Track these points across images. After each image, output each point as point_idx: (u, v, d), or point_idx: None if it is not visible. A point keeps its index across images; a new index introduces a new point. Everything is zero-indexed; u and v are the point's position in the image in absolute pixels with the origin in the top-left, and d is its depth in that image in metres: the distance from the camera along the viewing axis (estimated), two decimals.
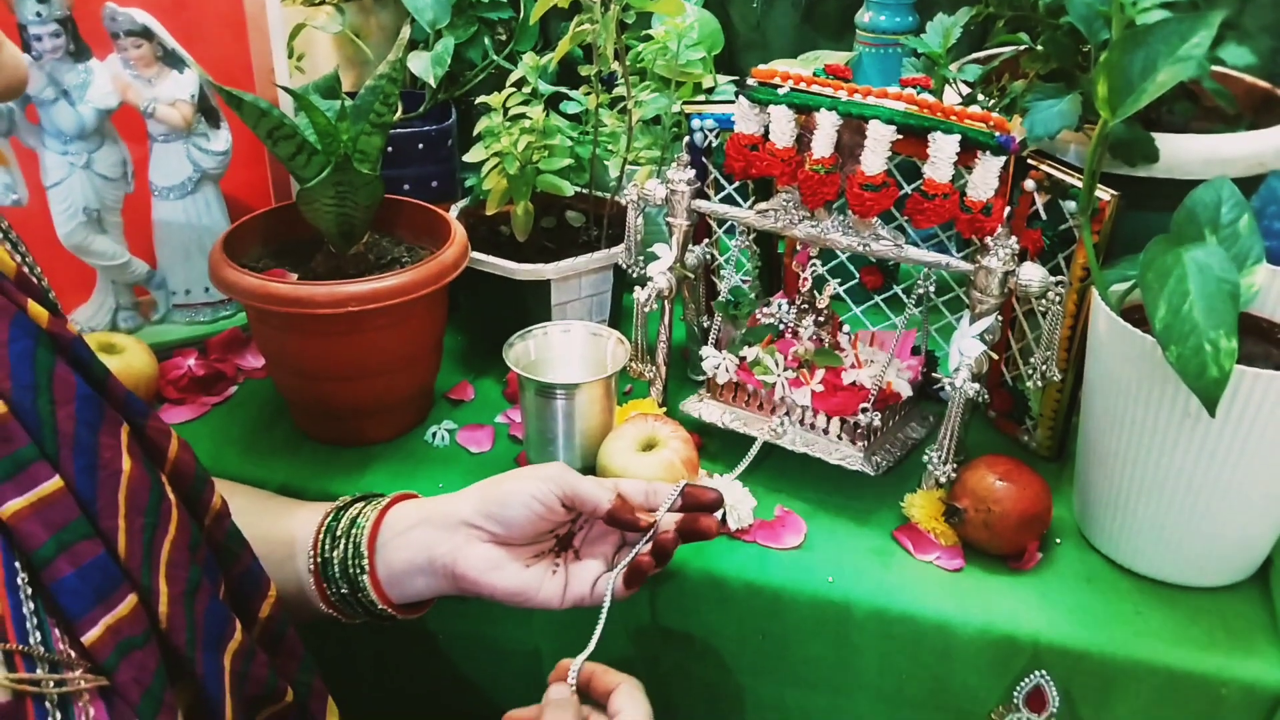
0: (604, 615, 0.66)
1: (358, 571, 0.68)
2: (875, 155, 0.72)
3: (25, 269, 0.59)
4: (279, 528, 0.71)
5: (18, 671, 0.47)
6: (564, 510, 0.67)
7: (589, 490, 0.67)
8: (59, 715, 0.47)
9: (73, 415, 0.53)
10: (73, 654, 0.49)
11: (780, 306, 0.84)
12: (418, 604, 0.71)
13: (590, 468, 0.82)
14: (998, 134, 0.71)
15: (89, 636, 0.49)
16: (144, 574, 0.53)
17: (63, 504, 0.51)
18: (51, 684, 0.47)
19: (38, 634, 0.48)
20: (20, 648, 0.47)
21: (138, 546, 0.53)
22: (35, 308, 0.55)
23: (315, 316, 0.77)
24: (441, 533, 0.68)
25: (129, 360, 0.89)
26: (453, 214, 0.92)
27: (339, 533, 0.70)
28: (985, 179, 0.72)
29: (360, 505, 0.72)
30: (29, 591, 0.49)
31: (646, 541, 0.67)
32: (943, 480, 0.77)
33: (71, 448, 0.52)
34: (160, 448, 0.59)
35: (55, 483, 0.51)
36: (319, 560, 0.69)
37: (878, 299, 0.92)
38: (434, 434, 0.89)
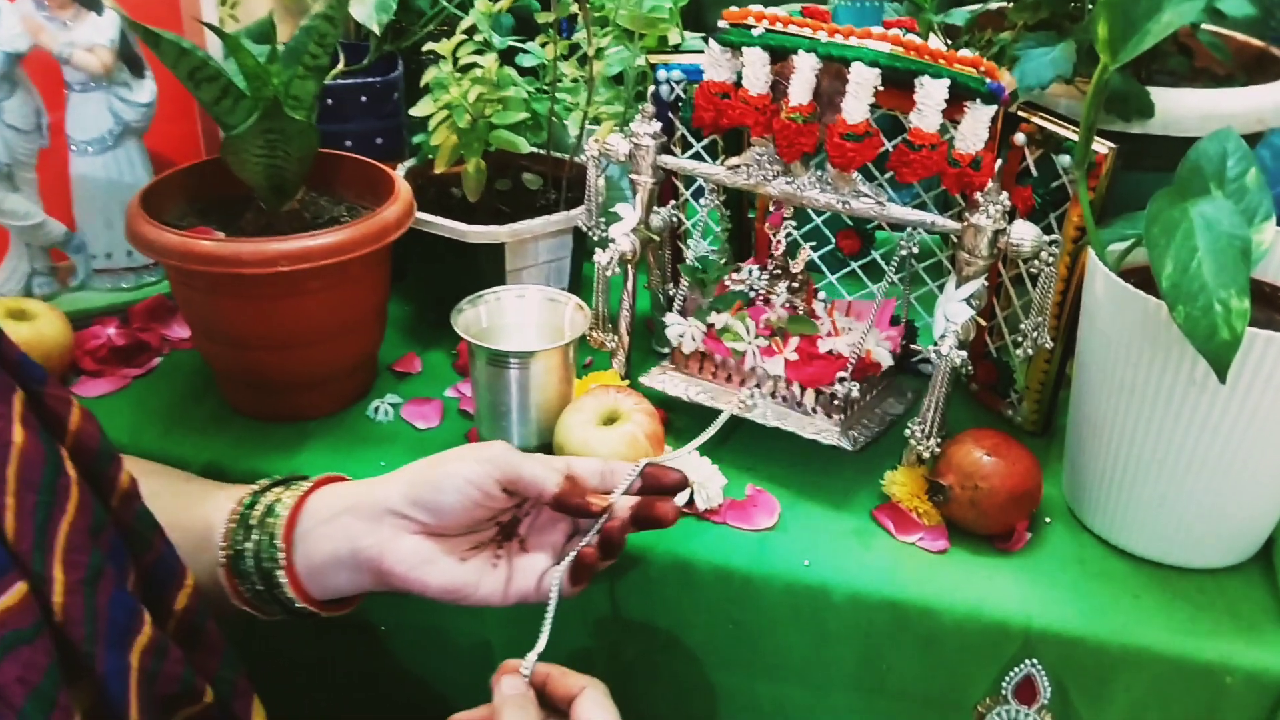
0: (550, 614, 0.59)
1: (272, 566, 0.62)
2: (858, 101, 0.66)
3: None
4: (193, 514, 0.65)
5: None
6: (505, 496, 0.61)
7: (532, 472, 0.60)
8: None
9: None
10: None
11: (751, 273, 0.79)
12: (343, 600, 0.64)
13: (547, 444, 0.76)
14: (988, 81, 0.66)
15: None
16: (36, 559, 0.47)
17: None
18: None
19: None
20: None
21: (29, 528, 0.47)
22: None
23: (242, 277, 0.71)
24: (366, 523, 0.61)
25: (40, 328, 0.82)
26: (399, 174, 0.85)
27: (252, 522, 0.63)
28: (975, 129, 0.67)
29: (279, 490, 0.65)
30: None
31: (600, 529, 0.61)
32: (926, 456, 0.72)
33: None
34: (59, 417, 0.53)
35: None
36: (231, 553, 0.63)
37: (854, 265, 0.87)
38: (376, 409, 0.83)
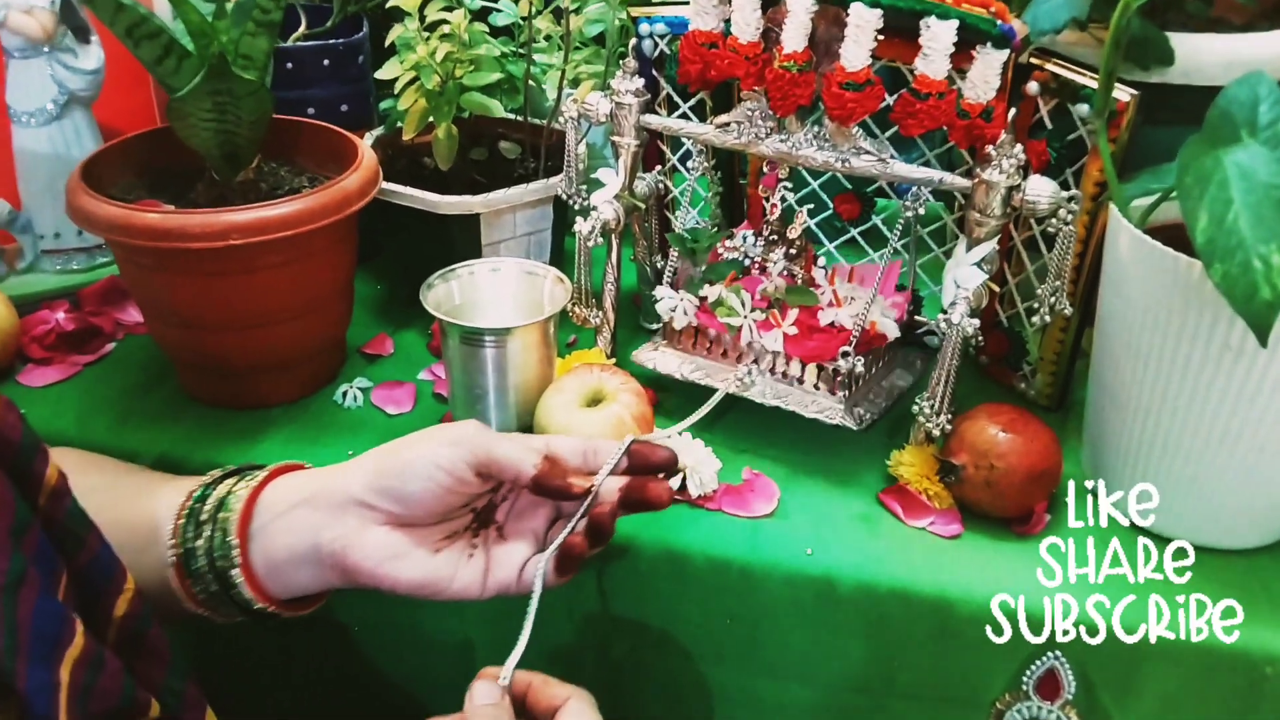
0: (533, 609, 0.55)
1: (227, 564, 0.57)
2: (858, 46, 0.61)
3: None
4: (138, 509, 0.60)
5: None
6: (478, 480, 0.56)
7: (507, 453, 0.56)
8: None
9: None
10: None
11: (745, 239, 0.74)
12: (306, 599, 0.60)
13: (527, 428, 0.72)
14: (1000, 22, 0.60)
15: None
16: None
17: None
18: None
19: None
20: None
21: None
22: None
23: (192, 252, 0.66)
24: (328, 514, 0.57)
25: None
26: (366, 143, 0.80)
27: (203, 517, 0.58)
28: (985, 77, 0.62)
29: (231, 481, 0.60)
30: None
31: (586, 513, 0.57)
32: (936, 433, 0.68)
33: None
34: None
35: None
36: (181, 552, 0.58)
37: (854, 232, 0.82)
38: (345, 394, 0.78)
